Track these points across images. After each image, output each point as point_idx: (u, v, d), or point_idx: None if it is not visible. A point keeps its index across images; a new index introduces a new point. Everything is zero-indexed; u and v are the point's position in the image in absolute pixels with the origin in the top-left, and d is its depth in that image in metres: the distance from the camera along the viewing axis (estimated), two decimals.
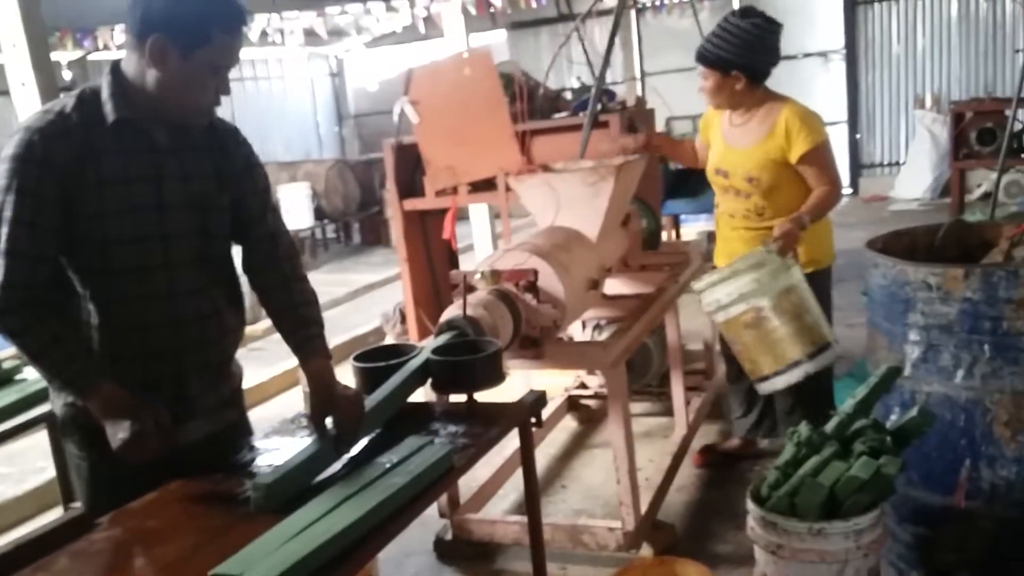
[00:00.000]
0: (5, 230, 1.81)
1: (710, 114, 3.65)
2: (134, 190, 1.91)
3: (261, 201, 2.14)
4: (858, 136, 11.95)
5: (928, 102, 11.17)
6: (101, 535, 1.76)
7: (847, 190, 11.96)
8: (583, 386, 4.71)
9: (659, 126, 6.93)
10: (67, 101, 1.91)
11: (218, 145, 2.06)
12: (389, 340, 5.25)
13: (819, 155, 3.33)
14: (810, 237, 3.30)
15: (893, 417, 2.78)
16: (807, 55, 11.93)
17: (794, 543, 2.45)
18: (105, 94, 1.90)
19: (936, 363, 2.72)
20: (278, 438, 2.20)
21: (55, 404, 2.06)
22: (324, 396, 2.00)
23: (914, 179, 10.89)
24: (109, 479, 1.96)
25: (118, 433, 1.83)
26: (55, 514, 3.59)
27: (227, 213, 2.08)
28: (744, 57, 3.30)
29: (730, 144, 3.50)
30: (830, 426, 2.66)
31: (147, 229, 1.93)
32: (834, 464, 2.52)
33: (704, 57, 3.36)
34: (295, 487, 1.81)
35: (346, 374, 2.21)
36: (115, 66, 1.94)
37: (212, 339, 2.09)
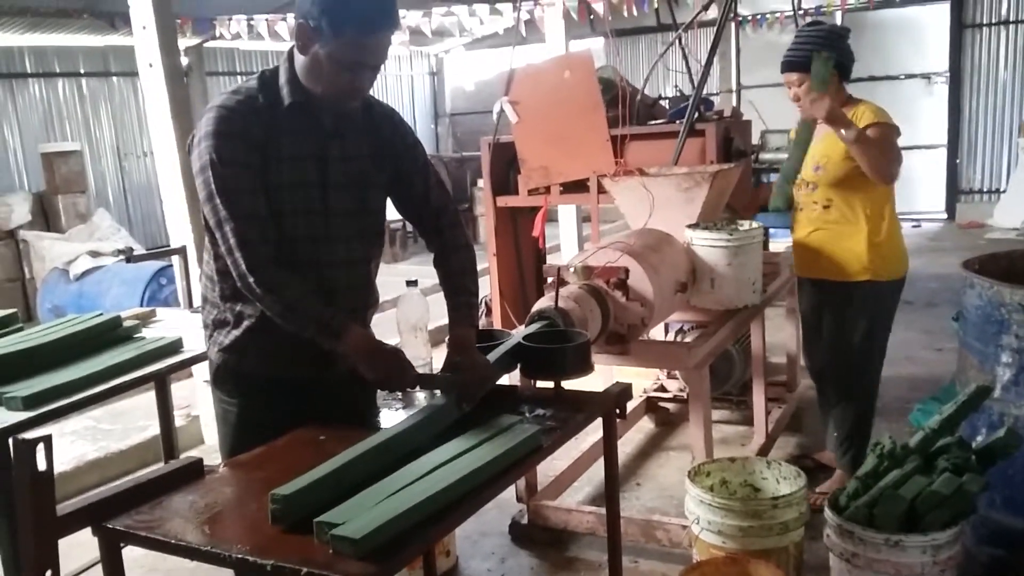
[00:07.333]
0: (231, 198, 1.96)
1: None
2: (306, 167, 2.08)
3: (423, 177, 2.30)
4: (957, 161, 11.62)
5: None
6: (221, 475, 1.91)
7: (942, 215, 11.67)
8: (662, 389, 4.75)
9: (754, 138, 6.90)
10: (252, 83, 2.07)
11: (374, 127, 2.22)
12: None
13: (881, 129, 3.30)
14: (873, 246, 3.38)
15: (979, 438, 2.77)
16: (909, 76, 11.68)
17: (870, 553, 2.47)
18: (282, 79, 2.06)
19: None
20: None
21: (210, 352, 2.23)
22: (457, 358, 2.17)
23: (1014, 208, 10.55)
24: (255, 425, 2.14)
25: (373, 372, 2.03)
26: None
27: (383, 191, 2.24)
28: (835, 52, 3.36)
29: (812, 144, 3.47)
30: (914, 440, 2.66)
31: (313, 203, 2.10)
32: (916, 478, 2.53)
33: (794, 63, 3.40)
34: (315, 503, 1.68)
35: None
36: (290, 52, 2.07)
37: (359, 307, 2.26)
